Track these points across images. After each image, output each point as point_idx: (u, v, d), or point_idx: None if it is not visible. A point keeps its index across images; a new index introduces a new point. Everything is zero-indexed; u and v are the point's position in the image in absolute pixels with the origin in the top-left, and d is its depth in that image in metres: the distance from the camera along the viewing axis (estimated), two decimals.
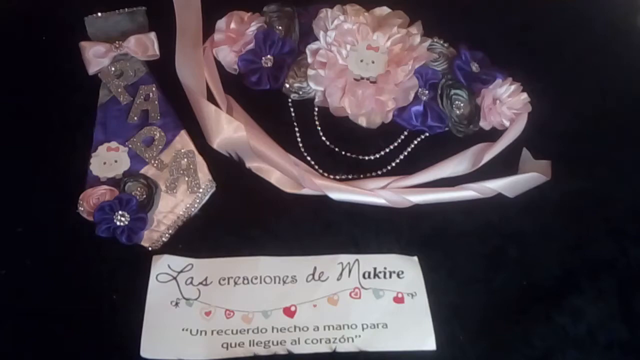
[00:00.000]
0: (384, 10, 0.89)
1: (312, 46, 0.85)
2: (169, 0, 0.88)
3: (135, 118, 0.82)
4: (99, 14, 0.88)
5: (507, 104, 0.86)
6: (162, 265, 0.73)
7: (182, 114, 0.83)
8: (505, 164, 0.84)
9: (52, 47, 0.87)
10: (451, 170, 0.82)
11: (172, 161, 0.79)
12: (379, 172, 0.83)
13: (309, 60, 0.85)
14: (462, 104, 0.85)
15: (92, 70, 0.84)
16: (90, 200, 0.75)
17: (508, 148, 0.85)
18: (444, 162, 0.82)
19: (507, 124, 0.86)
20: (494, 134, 0.86)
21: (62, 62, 0.85)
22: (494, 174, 0.81)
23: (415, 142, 0.85)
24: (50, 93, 0.83)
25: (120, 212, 0.74)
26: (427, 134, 0.86)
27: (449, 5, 0.95)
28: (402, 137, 0.85)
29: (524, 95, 0.87)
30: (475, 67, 0.87)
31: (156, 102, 0.83)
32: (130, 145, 0.80)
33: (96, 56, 0.84)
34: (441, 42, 0.88)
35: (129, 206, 0.74)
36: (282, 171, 0.80)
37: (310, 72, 0.84)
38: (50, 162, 0.78)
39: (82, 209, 0.75)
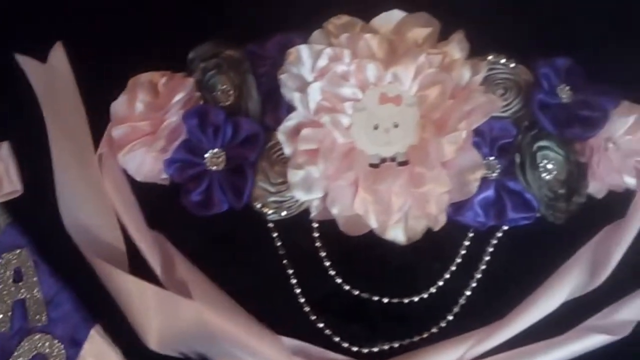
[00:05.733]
0: (395, 15, 0.51)
1: (288, 123, 0.48)
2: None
3: (8, 324, 0.46)
4: None
5: (626, 148, 0.51)
6: None
7: (85, 288, 0.48)
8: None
9: None
10: (563, 295, 0.49)
11: None
12: (442, 323, 0.49)
13: (287, 150, 0.48)
14: (553, 164, 0.50)
15: None
16: None
17: None
18: (548, 285, 0.50)
19: (632, 182, 0.51)
20: (611, 204, 0.51)
21: None
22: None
23: (490, 249, 0.51)
24: None
25: None
26: (505, 228, 0.51)
27: None
28: (466, 243, 0.51)
29: None
30: (565, 93, 0.51)
31: (35, 281, 0.47)
32: None
33: None
34: (502, 59, 0.51)
35: None
36: None
37: (293, 174, 0.48)
38: None
39: None
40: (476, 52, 0.51)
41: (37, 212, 0.50)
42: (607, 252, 0.50)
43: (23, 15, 0.52)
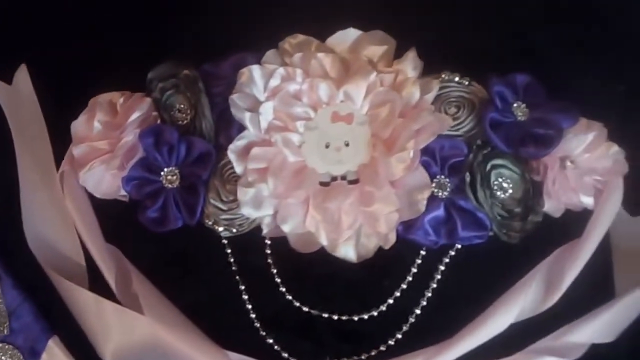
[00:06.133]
0: (351, 34, 0.51)
1: (239, 143, 0.49)
2: None
3: None
4: None
5: (585, 167, 0.50)
6: None
7: (44, 300, 0.50)
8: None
9: None
10: (514, 314, 0.49)
11: None
12: (392, 341, 0.50)
13: (237, 169, 0.49)
14: (508, 182, 0.50)
15: None
16: None
17: None
18: (500, 304, 0.49)
19: (589, 201, 0.51)
20: (569, 222, 0.51)
21: None
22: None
23: (442, 267, 0.51)
24: None
25: None
26: (459, 246, 0.51)
27: None
28: (418, 262, 0.51)
29: (614, 148, 0.51)
30: (521, 110, 0.50)
31: None
32: None
33: None
34: (456, 77, 0.51)
35: None
36: None
37: (242, 192, 0.49)
38: None
39: None
40: (433, 69, 0.51)
41: (1, 227, 0.51)
42: (561, 271, 0.49)
43: None
